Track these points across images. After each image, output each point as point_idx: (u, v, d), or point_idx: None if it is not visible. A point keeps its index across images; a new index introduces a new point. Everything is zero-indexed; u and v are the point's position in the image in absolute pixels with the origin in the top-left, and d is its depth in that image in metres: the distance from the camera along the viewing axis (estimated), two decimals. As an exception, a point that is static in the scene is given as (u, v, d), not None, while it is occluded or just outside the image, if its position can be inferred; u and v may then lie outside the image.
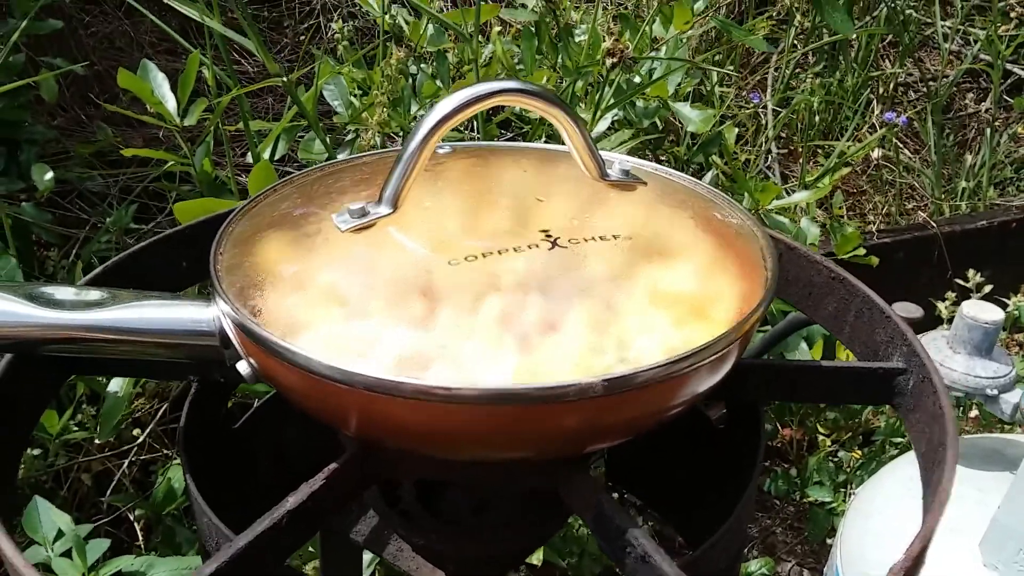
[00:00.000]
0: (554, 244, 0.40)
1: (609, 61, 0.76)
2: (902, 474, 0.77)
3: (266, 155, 0.90)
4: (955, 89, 1.58)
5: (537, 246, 0.40)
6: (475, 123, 1.02)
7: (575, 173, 0.46)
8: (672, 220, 0.45)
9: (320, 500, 0.37)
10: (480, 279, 0.38)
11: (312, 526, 0.37)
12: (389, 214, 0.41)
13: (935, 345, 0.71)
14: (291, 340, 0.35)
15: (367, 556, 0.77)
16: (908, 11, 1.47)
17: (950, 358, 0.70)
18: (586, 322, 0.37)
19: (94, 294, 0.39)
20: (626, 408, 0.37)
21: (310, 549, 0.84)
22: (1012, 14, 1.37)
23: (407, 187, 0.41)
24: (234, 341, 0.38)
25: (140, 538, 0.91)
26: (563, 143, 0.46)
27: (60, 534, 0.68)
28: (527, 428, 0.36)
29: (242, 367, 0.38)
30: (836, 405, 1.07)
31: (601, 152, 0.46)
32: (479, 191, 0.46)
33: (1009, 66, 1.56)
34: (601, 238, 0.41)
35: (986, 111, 1.56)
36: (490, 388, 0.34)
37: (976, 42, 1.49)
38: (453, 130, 0.42)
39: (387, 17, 0.97)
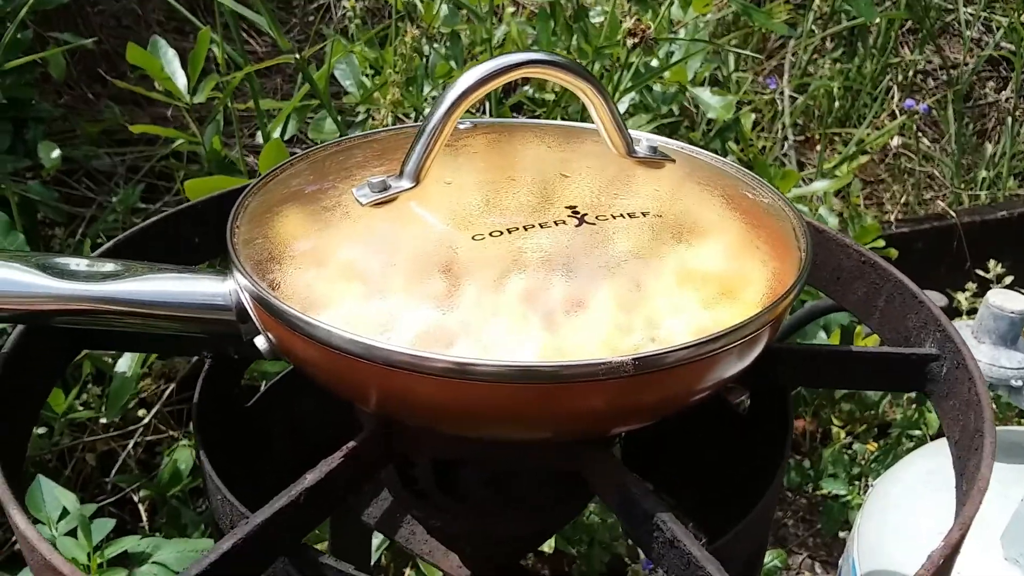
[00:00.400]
0: (581, 221, 0.39)
1: (630, 42, 0.74)
2: (921, 467, 0.75)
3: (276, 134, 0.88)
4: (975, 77, 1.56)
5: (564, 222, 0.39)
6: (488, 105, 1.00)
7: (600, 149, 0.45)
8: (701, 198, 0.43)
9: (338, 478, 0.36)
10: (505, 255, 0.37)
11: (329, 504, 0.36)
12: (411, 188, 0.39)
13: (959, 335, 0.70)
14: (312, 314, 0.34)
15: (375, 539, 0.76)
16: (929, -3, 1.44)
17: (975, 348, 0.69)
18: (613, 300, 0.36)
19: (108, 266, 0.38)
20: (654, 389, 0.36)
21: (316, 531, 0.83)
22: (1035, 1, 1.35)
23: (430, 160, 0.39)
24: (252, 315, 0.37)
25: (144, 519, 0.90)
26: (582, 121, 0.44)
27: (64, 513, 0.68)
28: (552, 407, 0.35)
29: (260, 342, 0.37)
30: (853, 395, 1.05)
31: (631, 131, 0.45)
32: (502, 167, 0.45)
33: (1030, 55, 1.53)
34: (629, 215, 0.40)
35: (1007, 100, 1.54)
36: (517, 364, 0.33)
37: (998, 29, 1.47)
38: (465, 113, 0.40)
39: (401, -5, 0.95)
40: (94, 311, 0.37)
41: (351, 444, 0.36)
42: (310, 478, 0.34)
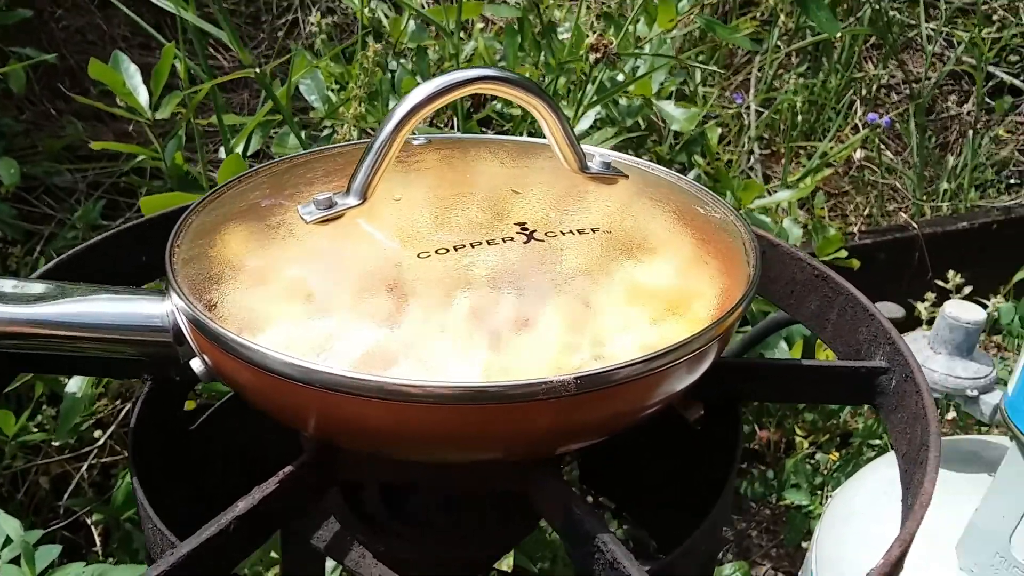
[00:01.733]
0: (530, 237, 0.39)
1: (593, 56, 0.75)
2: (881, 475, 0.76)
3: (239, 150, 0.88)
4: (937, 91, 1.59)
5: (512, 239, 0.38)
6: (456, 121, 1.00)
7: (554, 165, 0.45)
8: (653, 214, 0.43)
9: (273, 505, 0.35)
10: (451, 273, 0.36)
11: (264, 532, 0.35)
12: (357, 205, 0.39)
13: (915, 345, 0.71)
14: (248, 336, 0.33)
15: (329, 563, 0.74)
16: (892, 13, 1.47)
17: (931, 358, 0.69)
18: (561, 319, 0.36)
19: (37, 287, 0.37)
20: (600, 407, 0.35)
21: (272, 555, 0.82)
22: (995, 17, 1.38)
23: (377, 177, 0.39)
24: (187, 337, 0.36)
25: (98, 543, 0.88)
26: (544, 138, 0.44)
27: (8, 541, 0.66)
28: (495, 428, 0.34)
29: (196, 365, 0.36)
30: (815, 405, 1.06)
31: (584, 147, 0.45)
32: (453, 183, 0.44)
33: (991, 69, 1.57)
34: (579, 231, 0.40)
35: (968, 113, 1.57)
36: (456, 385, 0.33)
37: (960, 44, 1.50)
38: (432, 127, 0.40)
39: (367, 11, 0.95)
40: (24, 334, 0.36)
41: (287, 469, 0.35)
42: (241, 505, 0.33)
